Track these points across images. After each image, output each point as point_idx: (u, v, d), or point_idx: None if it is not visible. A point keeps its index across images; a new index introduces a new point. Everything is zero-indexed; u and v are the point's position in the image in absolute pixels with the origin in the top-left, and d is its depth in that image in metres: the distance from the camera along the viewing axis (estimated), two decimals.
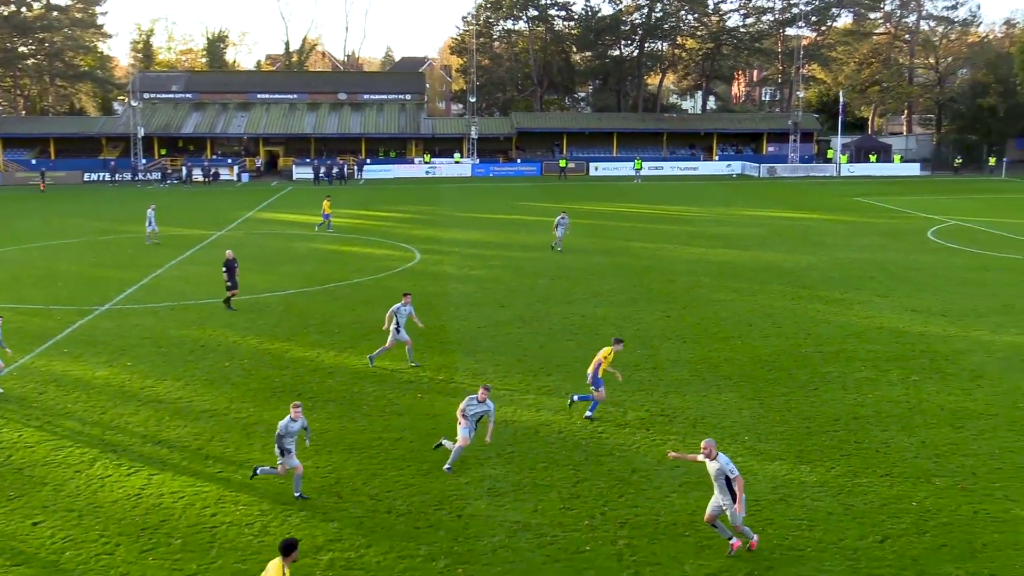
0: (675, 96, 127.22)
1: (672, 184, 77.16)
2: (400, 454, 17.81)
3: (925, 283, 34.01)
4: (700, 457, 14.06)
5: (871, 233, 47.23)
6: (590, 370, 19.85)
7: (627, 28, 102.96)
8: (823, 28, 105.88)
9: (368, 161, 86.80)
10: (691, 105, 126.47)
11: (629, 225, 50.87)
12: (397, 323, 23.40)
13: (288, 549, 11.32)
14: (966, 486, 16.32)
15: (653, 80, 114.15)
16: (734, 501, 13.71)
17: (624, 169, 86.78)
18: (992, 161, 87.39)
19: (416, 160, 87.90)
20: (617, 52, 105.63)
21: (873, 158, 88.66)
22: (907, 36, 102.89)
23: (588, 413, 19.72)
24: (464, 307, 30.16)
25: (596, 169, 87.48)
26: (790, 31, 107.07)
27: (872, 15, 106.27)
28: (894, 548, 14.15)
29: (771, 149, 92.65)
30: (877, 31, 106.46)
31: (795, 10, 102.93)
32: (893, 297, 31.57)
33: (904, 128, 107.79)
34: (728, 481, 13.77)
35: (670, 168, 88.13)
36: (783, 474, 16.87)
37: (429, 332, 26.57)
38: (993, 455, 17.70)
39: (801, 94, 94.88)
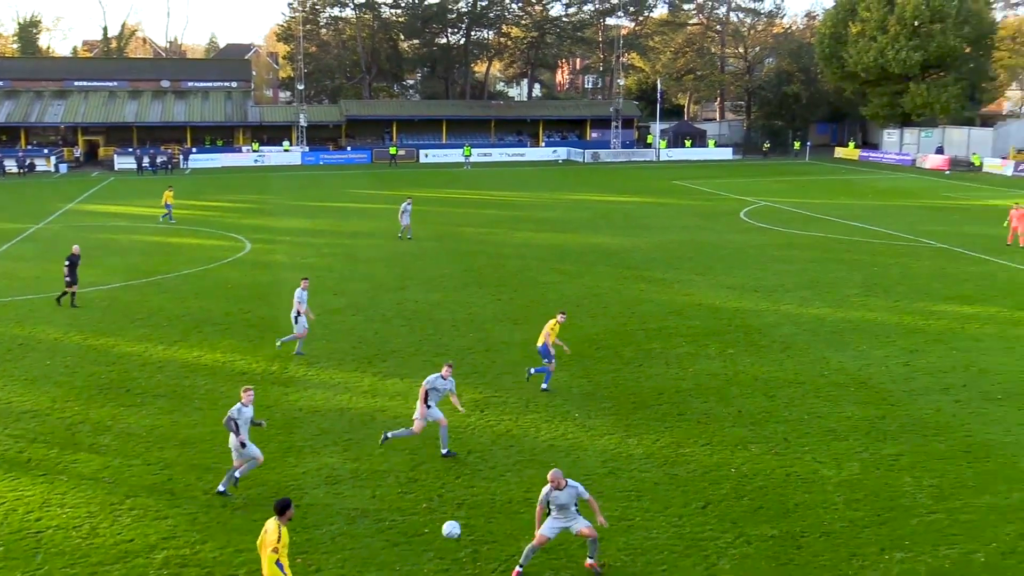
0: (502, 84, 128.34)
1: (500, 170, 77.86)
2: None
3: (739, 261, 35.55)
4: (546, 490, 12.68)
5: (689, 215, 48.99)
6: (540, 343, 20.53)
7: (453, 16, 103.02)
8: (641, 18, 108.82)
9: (194, 150, 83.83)
10: (517, 93, 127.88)
11: (460, 211, 51.06)
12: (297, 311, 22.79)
13: (283, 508, 11.29)
14: (779, 451, 17.19)
15: (480, 68, 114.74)
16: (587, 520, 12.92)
17: (454, 156, 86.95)
18: (797, 145, 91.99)
19: (244, 148, 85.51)
20: (444, 40, 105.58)
21: (689, 143, 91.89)
22: (718, 27, 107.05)
23: (544, 386, 20.47)
24: None
25: (426, 156, 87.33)
26: (610, 21, 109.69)
27: (686, 6, 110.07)
28: (715, 512, 14.77)
29: (594, 135, 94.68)
30: (691, 22, 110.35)
31: (614, 0, 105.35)
32: (710, 275, 32.87)
33: (717, 114, 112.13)
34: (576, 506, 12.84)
35: (498, 154, 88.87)
36: (612, 448, 17.35)
37: (262, 322, 25.97)
38: (802, 420, 18.71)
39: (621, 82, 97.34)
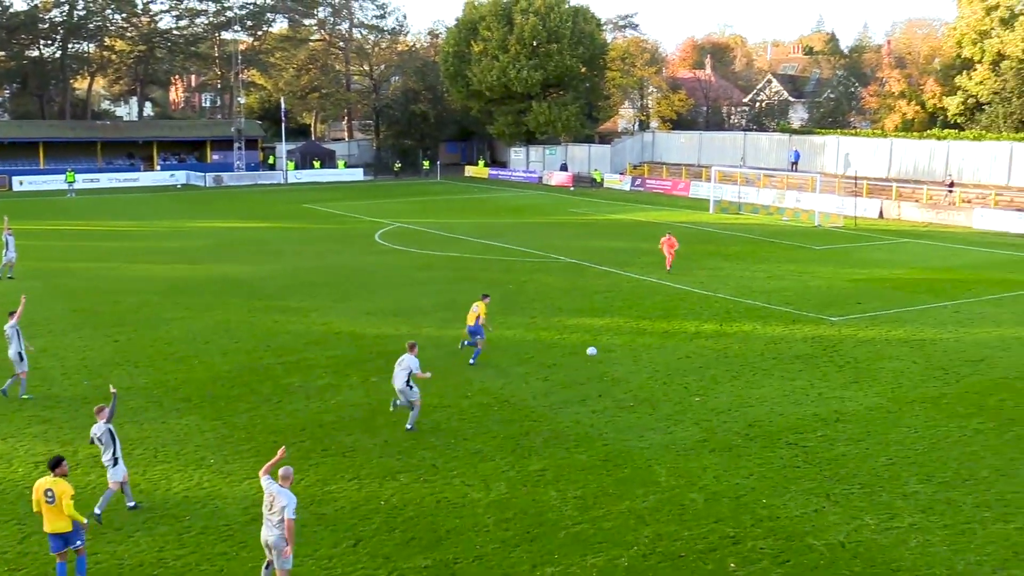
0: (108, 102, 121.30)
1: (111, 197, 73.59)
2: None
3: (377, 285, 36.07)
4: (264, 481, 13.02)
5: (323, 239, 49.02)
6: (470, 323, 25.18)
7: (46, 26, 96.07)
8: (259, 33, 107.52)
9: None
10: (126, 112, 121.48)
11: (66, 244, 47.64)
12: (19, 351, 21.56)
13: (57, 463, 13.72)
14: (427, 478, 17.60)
15: (81, 84, 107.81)
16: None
17: (55, 183, 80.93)
18: (427, 164, 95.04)
19: None
20: (36, 52, 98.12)
21: (318, 164, 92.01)
22: (341, 43, 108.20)
23: (472, 360, 24.93)
24: None
25: (21, 184, 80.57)
26: (226, 35, 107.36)
27: (307, 21, 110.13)
28: (367, 549, 14.83)
29: (216, 157, 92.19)
30: (312, 38, 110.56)
31: (229, 13, 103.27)
32: (348, 301, 33.06)
33: (346, 134, 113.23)
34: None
35: (108, 180, 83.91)
36: (254, 493, 16.89)
37: None
38: (449, 445, 19.28)
39: (242, 100, 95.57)
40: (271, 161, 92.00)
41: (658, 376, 24.07)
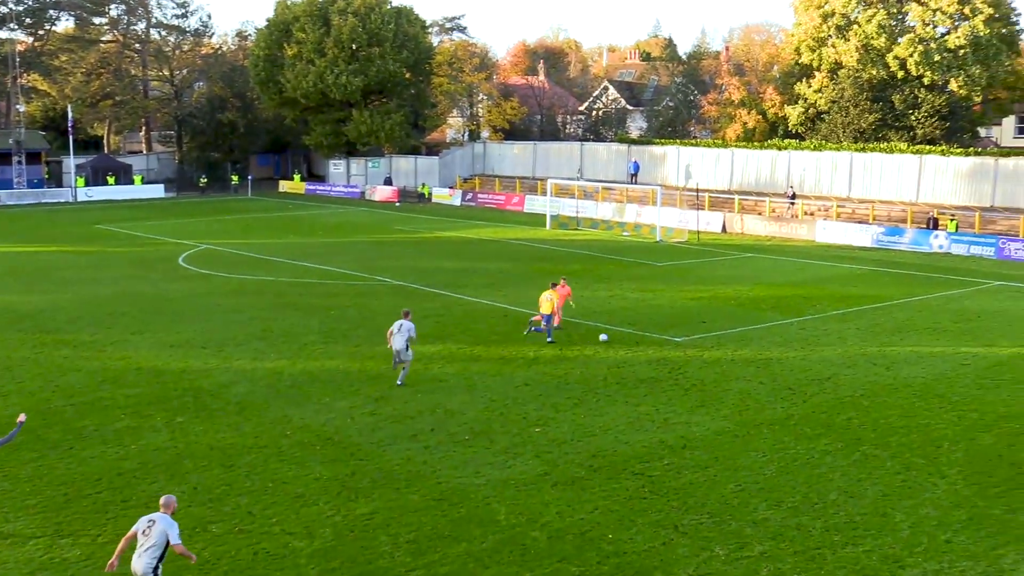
0: None
1: None
2: None
3: (182, 314, 35.13)
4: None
5: (120, 264, 47.44)
6: (545, 311, 30.96)
7: None
8: (41, 32, 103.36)
9: None
10: None
11: None
12: None
13: None
14: (243, 527, 17.20)
15: None
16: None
17: None
18: (236, 179, 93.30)
19: None
20: None
21: (112, 180, 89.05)
22: (137, 45, 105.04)
23: (537, 329, 31.73)
24: None
25: None
26: (1, 34, 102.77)
27: (96, 20, 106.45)
28: None
29: None
30: (104, 39, 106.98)
31: (4, 9, 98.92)
32: (149, 333, 32.07)
33: (144, 146, 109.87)
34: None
35: None
36: (40, 555, 16.15)
37: None
38: (267, 489, 18.91)
39: (22, 108, 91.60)
40: (45, 175, 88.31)
41: (495, 406, 24.26)
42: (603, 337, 31.44)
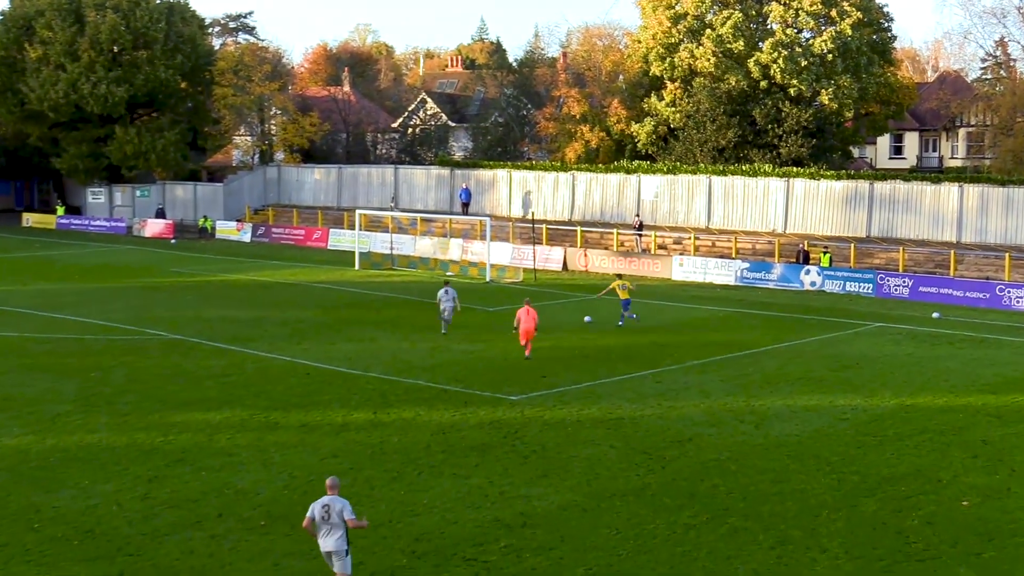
0: None
1: None
2: None
3: None
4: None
5: None
6: (623, 296, 44.18)
7: None
8: None
9: None
10: None
11: None
12: None
13: None
14: None
15: None
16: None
17: None
18: None
19: None
20: None
21: None
22: None
23: (635, 316, 45.07)
24: None
25: None
26: None
27: None
28: None
29: None
30: None
31: None
32: None
33: None
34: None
35: None
36: None
37: None
38: None
39: None
40: None
41: (296, 484, 23.93)
42: (587, 319, 39.66)
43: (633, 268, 63.15)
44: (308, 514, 17.57)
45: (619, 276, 46.92)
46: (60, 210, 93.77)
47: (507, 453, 26.47)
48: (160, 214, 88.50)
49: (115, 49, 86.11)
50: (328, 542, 17.39)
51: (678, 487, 23.98)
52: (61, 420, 29.12)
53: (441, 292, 42.35)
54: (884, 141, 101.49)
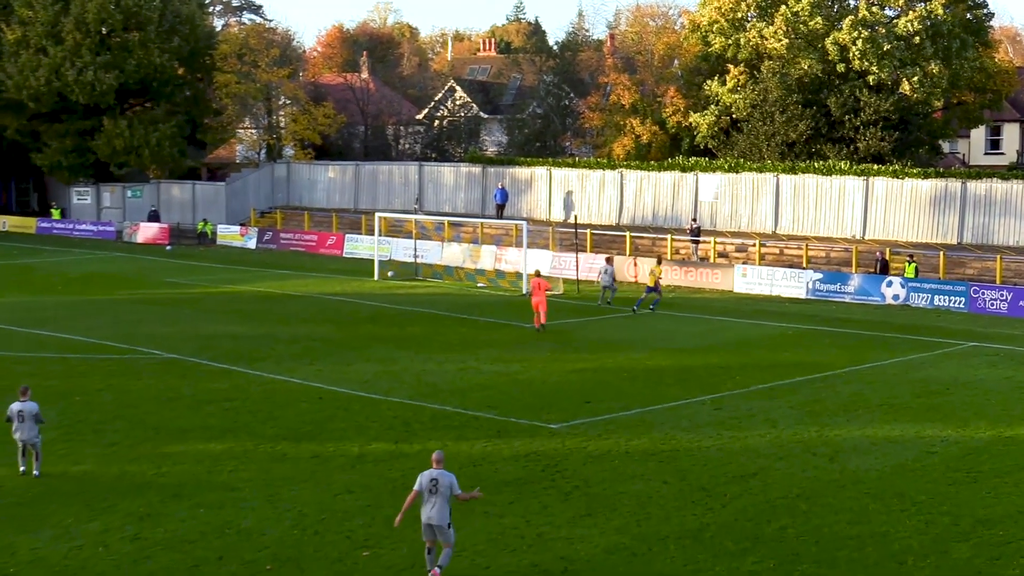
0: None
1: None
2: None
3: None
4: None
5: None
6: (649, 283, 52.62)
7: None
8: None
9: None
10: None
11: None
12: None
13: None
14: None
15: None
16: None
17: None
18: None
19: None
20: None
21: None
22: None
23: (652, 307, 52.19)
24: None
25: None
26: None
27: None
28: None
29: None
30: None
31: None
32: None
33: None
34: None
35: None
36: None
37: None
38: None
39: None
40: None
41: (307, 523, 23.97)
42: None
43: (690, 279, 62.99)
44: (415, 486, 20.02)
45: (659, 261, 57.56)
46: (56, 213, 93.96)
47: (546, 489, 26.42)
48: (154, 217, 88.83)
49: (103, 30, 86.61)
50: (433, 514, 19.79)
51: (741, 529, 23.86)
52: (42, 450, 29.28)
53: (600, 269, 56.89)
54: (979, 134, 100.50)
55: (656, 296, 53.02)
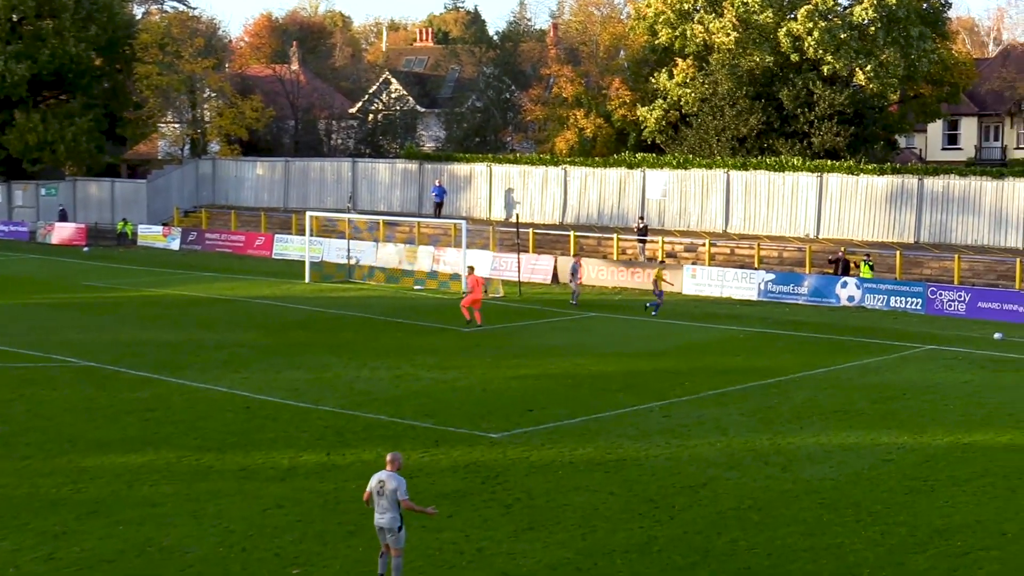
0: None
1: None
2: None
3: None
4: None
5: None
6: (657, 289, 54.37)
7: None
8: None
9: None
10: None
11: None
12: None
13: None
14: None
15: None
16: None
17: None
18: None
19: None
20: None
21: None
22: None
23: (654, 313, 53.06)
24: None
25: None
26: None
27: None
28: None
29: None
30: None
31: None
32: None
33: None
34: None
35: None
36: None
37: None
38: None
39: None
40: None
41: (234, 540, 23.86)
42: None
43: (636, 280, 63.19)
44: (368, 486, 20.36)
45: (662, 263, 61.10)
46: None
47: (486, 502, 26.41)
48: (63, 217, 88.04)
49: (14, 18, 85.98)
50: (381, 518, 20.11)
51: (690, 542, 23.94)
52: None
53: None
54: (936, 129, 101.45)
55: (657, 300, 54.37)
